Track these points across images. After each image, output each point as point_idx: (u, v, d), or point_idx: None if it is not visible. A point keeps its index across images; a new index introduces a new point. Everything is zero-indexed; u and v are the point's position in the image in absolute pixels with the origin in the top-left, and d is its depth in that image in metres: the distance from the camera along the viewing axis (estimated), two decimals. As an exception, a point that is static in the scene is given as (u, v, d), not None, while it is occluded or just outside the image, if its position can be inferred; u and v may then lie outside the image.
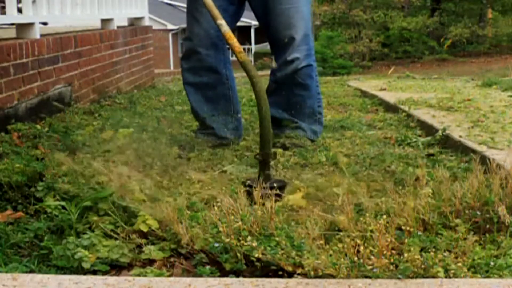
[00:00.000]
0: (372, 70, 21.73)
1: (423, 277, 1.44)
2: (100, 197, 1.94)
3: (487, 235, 1.74)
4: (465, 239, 1.64)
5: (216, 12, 2.30)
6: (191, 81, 3.06)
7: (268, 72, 3.22)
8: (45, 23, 4.68)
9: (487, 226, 1.77)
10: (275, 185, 2.02)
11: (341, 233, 1.65)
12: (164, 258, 1.66)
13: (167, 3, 28.97)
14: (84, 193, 2.02)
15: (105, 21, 5.06)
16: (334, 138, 3.18)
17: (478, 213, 1.80)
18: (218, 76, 3.05)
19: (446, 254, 1.54)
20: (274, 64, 3.06)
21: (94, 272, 1.56)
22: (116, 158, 2.71)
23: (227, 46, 3.18)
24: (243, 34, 28.56)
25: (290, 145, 2.95)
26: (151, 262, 1.64)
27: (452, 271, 1.47)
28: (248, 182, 2.12)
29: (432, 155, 2.73)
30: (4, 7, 3.63)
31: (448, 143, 2.93)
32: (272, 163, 2.27)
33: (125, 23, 5.74)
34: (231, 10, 3.01)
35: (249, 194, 1.93)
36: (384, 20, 26.33)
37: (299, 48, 2.99)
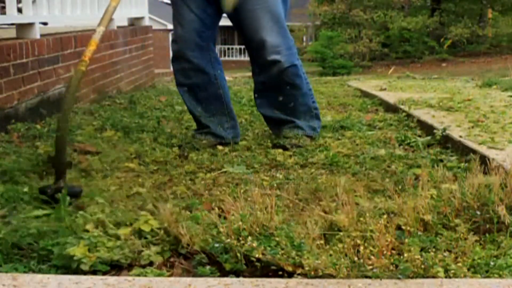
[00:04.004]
0: (372, 70, 21.72)
1: (423, 277, 1.44)
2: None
3: (487, 235, 1.74)
4: (465, 239, 1.64)
5: (105, 19, 2.34)
6: (182, 83, 3.08)
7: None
8: (45, 23, 4.68)
9: (487, 226, 1.77)
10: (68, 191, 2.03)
11: (341, 233, 1.65)
12: (164, 258, 1.66)
13: (167, 3, 28.98)
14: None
15: (105, 21, 5.05)
16: (334, 138, 3.18)
17: (478, 213, 1.80)
18: (207, 77, 3.06)
19: (446, 254, 1.54)
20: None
21: (94, 272, 1.56)
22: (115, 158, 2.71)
23: (215, 47, 3.18)
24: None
25: (289, 145, 2.95)
26: (151, 262, 1.64)
27: (452, 271, 1.47)
28: (43, 189, 2.10)
29: (441, 160, 2.66)
30: (4, 7, 3.63)
31: (448, 143, 2.93)
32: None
33: (125, 23, 5.74)
34: (209, 10, 3.01)
35: (46, 202, 2.00)
36: (384, 20, 26.31)
37: (278, 49, 2.94)
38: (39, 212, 1.90)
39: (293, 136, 3.03)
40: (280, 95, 3.06)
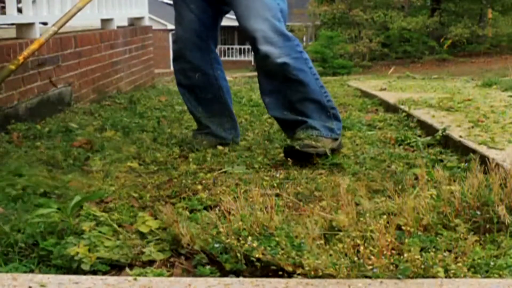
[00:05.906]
0: (372, 70, 21.73)
1: (423, 277, 1.44)
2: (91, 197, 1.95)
3: (487, 235, 1.74)
4: (465, 239, 1.64)
5: (62, 20, 2.42)
6: (182, 83, 3.07)
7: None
8: (45, 23, 4.68)
9: (487, 226, 1.77)
10: None
11: (341, 233, 1.65)
12: (164, 258, 1.66)
13: (167, 3, 28.97)
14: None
15: (105, 21, 5.06)
16: (334, 138, 3.18)
17: (478, 213, 1.80)
18: (206, 77, 3.04)
19: (446, 254, 1.54)
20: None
21: (94, 272, 1.56)
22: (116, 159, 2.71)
23: (216, 48, 3.17)
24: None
25: (300, 147, 2.64)
26: (151, 262, 1.64)
27: (452, 271, 1.47)
28: None
29: (441, 160, 2.65)
30: (4, 7, 3.63)
31: (448, 143, 2.93)
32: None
33: (125, 23, 5.74)
34: (210, 11, 2.99)
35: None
36: (384, 20, 26.33)
37: (270, 40, 2.70)
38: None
39: (306, 137, 2.69)
40: (286, 93, 2.82)
